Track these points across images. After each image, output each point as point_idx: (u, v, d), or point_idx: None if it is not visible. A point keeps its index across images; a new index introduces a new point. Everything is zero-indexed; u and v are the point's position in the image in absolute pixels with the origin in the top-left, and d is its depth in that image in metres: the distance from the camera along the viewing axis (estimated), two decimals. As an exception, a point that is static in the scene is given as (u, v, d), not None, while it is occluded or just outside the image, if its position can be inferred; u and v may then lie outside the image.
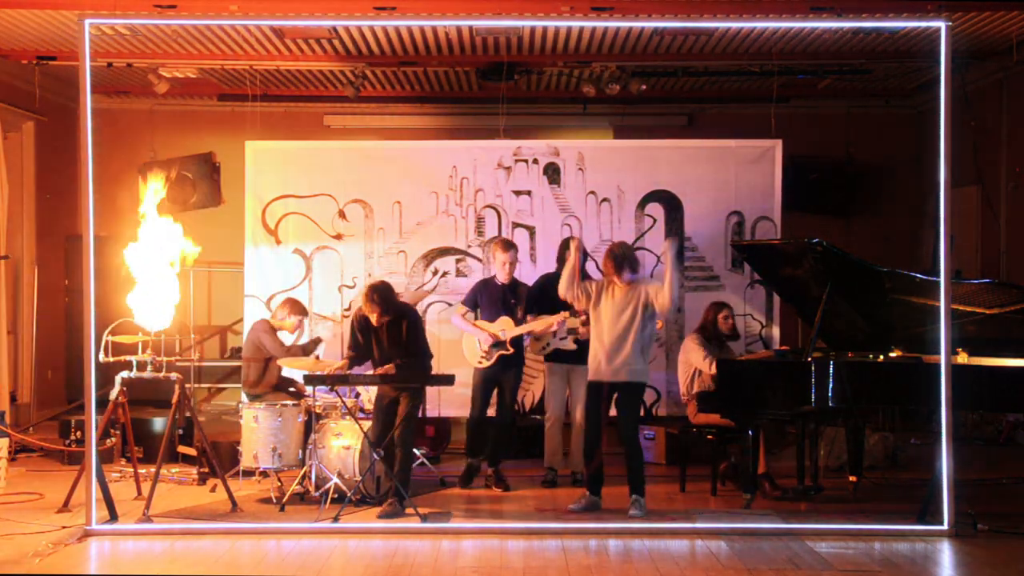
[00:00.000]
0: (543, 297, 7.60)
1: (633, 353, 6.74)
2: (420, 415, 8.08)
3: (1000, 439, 9.40)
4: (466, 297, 7.80)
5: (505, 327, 7.55)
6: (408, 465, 6.93)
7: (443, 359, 7.97)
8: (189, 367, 9.44)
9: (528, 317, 7.58)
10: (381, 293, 6.88)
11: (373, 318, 6.92)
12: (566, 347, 7.57)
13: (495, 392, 7.71)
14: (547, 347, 7.67)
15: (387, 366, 6.92)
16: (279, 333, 7.75)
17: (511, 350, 7.54)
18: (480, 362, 7.61)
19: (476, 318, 7.69)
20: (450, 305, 8.31)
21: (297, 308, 7.83)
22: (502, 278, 7.64)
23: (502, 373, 7.61)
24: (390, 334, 6.97)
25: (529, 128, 10.36)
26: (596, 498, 6.85)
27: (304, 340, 7.94)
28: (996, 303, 6.82)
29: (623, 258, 6.78)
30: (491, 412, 7.77)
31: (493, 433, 7.67)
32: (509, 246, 7.71)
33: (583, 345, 7.48)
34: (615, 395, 6.83)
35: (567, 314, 7.39)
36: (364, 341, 7.06)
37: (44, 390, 10.40)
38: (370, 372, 7.06)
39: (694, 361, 7.49)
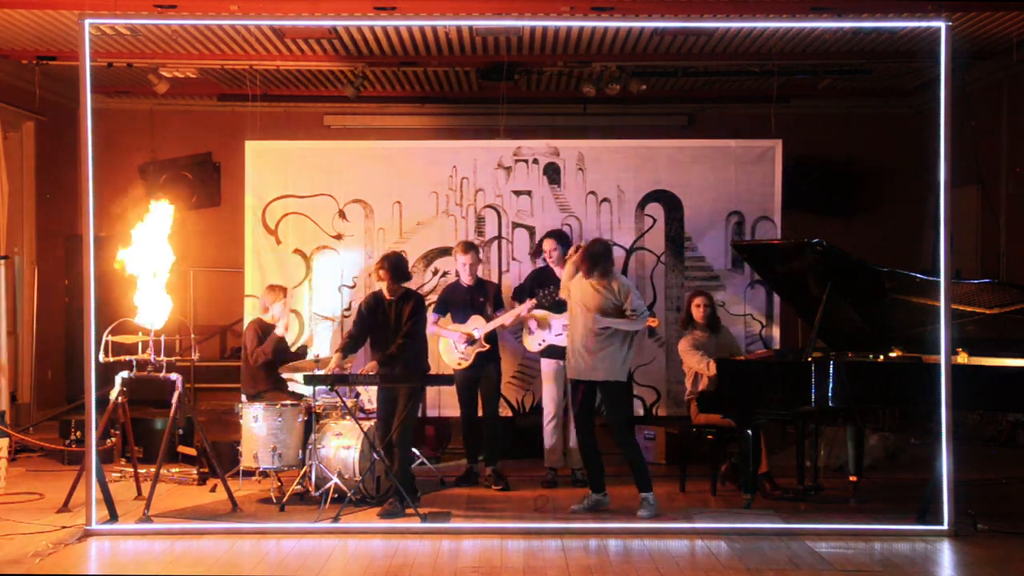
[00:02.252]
0: (531, 292, 7.70)
1: (608, 349, 6.71)
2: (420, 415, 8.11)
3: (1000, 439, 9.40)
4: (436, 304, 7.90)
5: (477, 325, 7.64)
6: (407, 465, 6.94)
7: (442, 360, 7.97)
8: (189, 367, 9.44)
9: (498, 312, 7.69)
10: (391, 261, 7.10)
11: (384, 288, 7.05)
12: (561, 343, 7.60)
13: (479, 392, 7.77)
14: (542, 343, 7.69)
15: (370, 364, 6.99)
16: (279, 324, 7.75)
17: (487, 346, 7.62)
18: (459, 364, 7.69)
19: (450, 322, 7.79)
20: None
21: (274, 293, 7.82)
22: (466, 279, 7.73)
23: (481, 371, 7.68)
24: (397, 313, 7.07)
25: (529, 128, 10.36)
26: (599, 496, 6.85)
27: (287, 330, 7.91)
28: (996, 303, 6.82)
29: (597, 257, 6.77)
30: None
31: (485, 432, 7.72)
32: (469, 248, 7.79)
33: None
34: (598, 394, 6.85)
35: (534, 301, 7.52)
36: (369, 322, 7.12)
37: (44, 390, 10.41)
38: (365, 371, 7.10)
39: (692, 365, 7.49)
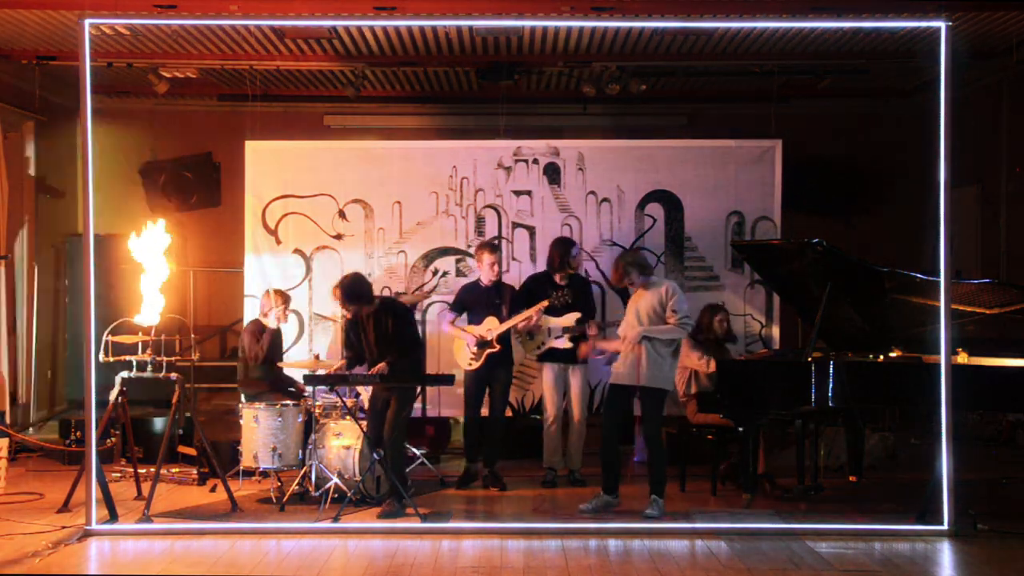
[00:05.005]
0: (531, 296, 7.68)
1: (648, 357, 6.67)
2: (420, 415, 8.12)
3: (1000, 439, 9.40)
4: (452, 302, 7.90)
5: (491, 327, 7.61)
6: (401, 464, 6.92)
7: (443, 359, 7.98)
8: (189, 367, 9.44)
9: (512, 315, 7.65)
10: (344, 288, 6.83)
11: (348, 313, 6.92)
12: (562, 345, 7.60)
13: (487, 392, 7.76)
14: (541, 347, 7.71)
15: (380, 364, 6.91)
16: (271, 317, 7.77)
17: (498, 347, 7.59)
18: (470, 364, 7.67)
19: (467, 322, 7.75)
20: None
21: (279, 297, 7.85)
22: (487, 280, 7.70)
23: (491, 372, 7.67)
24: (376, 331, 6.95)
25: (529, 128, 10.34)
26: (610, 498, 6.82)
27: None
28: (996, 303, 6.82)
29: (629, 265, 6.78)
30: (484, 412, 7.82)
31: (487, 433, 7.72)
32: (495, 248, 7.87)
33: (577, 343, 7.53)
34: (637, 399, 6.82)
35: (546, 303, 7.50)
36: (356, 339, 7.07)
37: (44, 390, 10.40)
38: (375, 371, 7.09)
39: (691, 364, 7.49)
